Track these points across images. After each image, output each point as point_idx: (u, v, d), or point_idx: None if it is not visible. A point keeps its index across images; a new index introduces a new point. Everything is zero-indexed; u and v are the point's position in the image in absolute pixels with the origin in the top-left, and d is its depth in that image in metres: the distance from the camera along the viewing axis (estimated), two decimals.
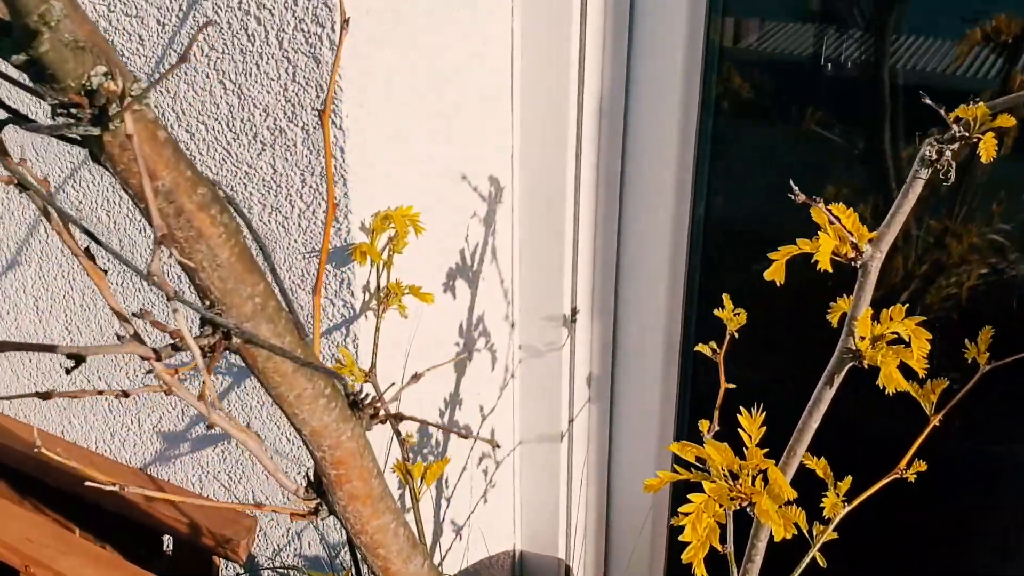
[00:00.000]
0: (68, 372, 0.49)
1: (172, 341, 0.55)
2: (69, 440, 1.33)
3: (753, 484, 0.83)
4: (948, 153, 0.77)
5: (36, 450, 0.66)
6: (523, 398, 1.34)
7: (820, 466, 0.96)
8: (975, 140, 0.76)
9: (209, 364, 0.55)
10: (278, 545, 1.20)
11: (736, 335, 1.04)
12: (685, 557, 0.84)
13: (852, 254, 0.80)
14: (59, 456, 0.65)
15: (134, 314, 0.54)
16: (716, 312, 1.05)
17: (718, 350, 1.05)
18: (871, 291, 0.81)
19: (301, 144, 0.94)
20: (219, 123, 0.98)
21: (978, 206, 1.55)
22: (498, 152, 1.15)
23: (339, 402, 0.62)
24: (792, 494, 0.84)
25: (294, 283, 1.01)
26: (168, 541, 1.27)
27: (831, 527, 0.95)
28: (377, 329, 0.95)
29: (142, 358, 0.55)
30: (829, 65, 1.25)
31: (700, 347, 1.06)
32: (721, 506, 0.83)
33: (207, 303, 0.55)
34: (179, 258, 0.52)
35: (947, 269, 1.71)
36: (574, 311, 1.28)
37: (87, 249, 0.61)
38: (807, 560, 0.94)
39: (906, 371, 0.80)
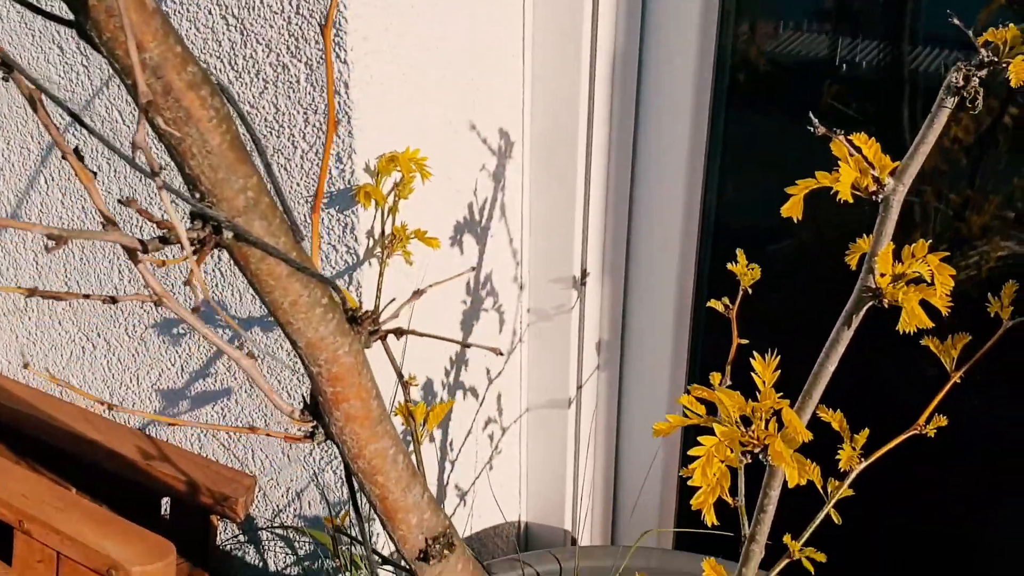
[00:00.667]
0: (48, 251, 0.46)
1: (160, 233, 0.53)
2: (68, 400, 1.31)
3: (766, 428, 0.80)
4: (975, 80, 0.74)
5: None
6: (531, 363, 1.31)
7: (836, 419, 0.93)
8: (1004, 65, 0.73)
9: (198, 257, 0.52)
10: (278, 506, 1.17)
11: (750, 290, 1.01)
12: (695, 503, 0.80)
13: (873, 187, 0.77)
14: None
15: (120, 201, 0.52)
16: (729, 266, 1.02)
17: (730, 306, 1.02)
18: (892, 227, 0.78)
19: (304, 81, 0.92)
20: (221, 61, 0.95)
21: (1000, 180, 1.51)
22: (508, 104, 1.12)
23: (336, 314, 0.59)
24: (807, 435, 0.80)
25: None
26: (166, 506, 1.24)
27: (847, 482, 0.91)
28: (380, 274, 0.92)
29: (127, 250, 0.52)
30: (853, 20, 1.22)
31: (712, 303, 1.03)
32: (732, 451, 0.80)
33: (197, 195, 0.52)
34: (167, 139, 0.49)
35: (968, 244, 1.68)
36: (584, 273, 1.26)
37: (76, 149, 0.58)
38: (822, 515, 0.91)
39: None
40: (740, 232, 1.31)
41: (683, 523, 1.40)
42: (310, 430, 0.65)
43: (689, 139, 1.17)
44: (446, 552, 0.70)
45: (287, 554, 1.19)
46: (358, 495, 0.71)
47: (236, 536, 1.21)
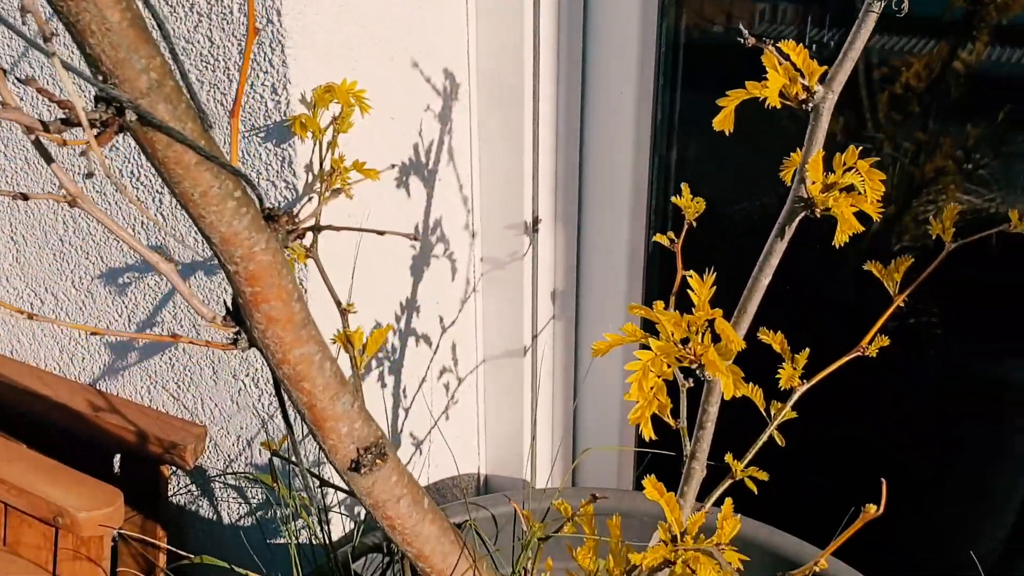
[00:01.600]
0: None
1: (62, 115, 0.52)
2: (19, 359, 1.29)
3: (702, 341, 0.80)
4: None
5: None
6: (486, 313, 1.31)
7: (777, 340, 0.93)
8: None
9: (100, 139, 0.51)
10: (229, 455, 1.16)
11: (694, 223, 1.01)
12: (632, 418, 0.80)
13: (803, 95, 0.77)
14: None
15: (19, 80, 0.51)
16: (673, 199, 1.02)
17: (675, 240, 1.02)
18: (823, 135, 0.78)
19: (238, 11, 0.91)
20: None
21: (952, 130, 1.52)
22: (453, 42, 1.12)
23: (251, 209, 0.59)
24: (740, 344, 0.80)
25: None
26: (117, 464, 1.23)
27: (789, 404, 0.91)
28: (319, 207, 0.91)
29: (27, 130, 0.51)
30: None
31: (658, 237, 1.02)
32: (669, 366, 0.80)
33: (100, 77, 0.52)
34: (65, 15, 0.49)
35: (922, 195, 1.69)
36: (536, 220, 1.25)
37: None
38: (764, 437, 0.91)
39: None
40: (692, 174, 1.31)
41: (642, 471, 1.40)
42: (233, 336, 0.65)
43: (637, 79, 1.17)
44: (378, 462, 0.69)
45: (240, 504, 1.19)
46: (289, 408, 0.70)
47: (188, 487, 1.20)
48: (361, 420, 0.69)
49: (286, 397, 0.67)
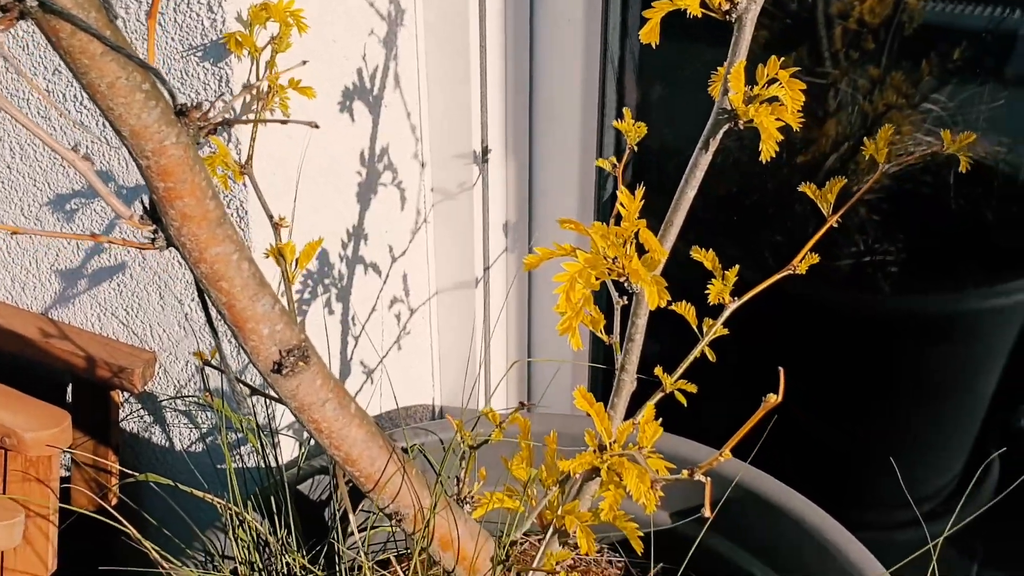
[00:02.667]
0: None
1: None
2: None
3: (628, 253, 0.82)
4: None
5: None
6: (438, 244, 1.32)
7: (708, 258, 0.94)
8: None
9: (1, 25, 0.52)
10: (179, 381, 1.17)
11: (635, 148, 1.02)
12: (560, 329, 0.82)
13: (726, 6, 0.78)
14: None
15: None
16: (615, 124, 1.03)
17: (617, 164, 1.02)
18: (746, 47, 0.79)
19: None
20: None
21: (907, 61, 1.53)
22: None
23: (160, 102, 0.59)
24: (663, 253, 0.82)
25: (174, 86, 0.98)
26: (69, 393, 1.24)
27: (720, 320, 0.93)
28: (255, 128, 0.92)
29: None
30: None
31: (600, 162, 1.03)
32: (597, 278, 0.82)
33: None
34: None
35: (876, 128, 1.69)
36: (486, 150, 1.26)
37: None
38: (696, 352, 0.92)
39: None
40: (642, 100, 1.32)
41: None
42: (151, 235, 0.66)
43: (585, 5, 1.17)
44: (301, 364, 0.71)
45: (190, 429, 1.20)
46: (212, 312, 0.71)
47: (138, 412, 1.21)
48: (283, 323, 0.70)
49: (208, 299, 0.68)
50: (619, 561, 1.19)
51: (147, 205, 0.65)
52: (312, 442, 1.19)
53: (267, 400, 1.12)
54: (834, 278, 1.68)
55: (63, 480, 1.22)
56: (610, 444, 0.84)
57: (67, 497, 1.20)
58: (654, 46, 0.81)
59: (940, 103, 1.55)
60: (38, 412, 1.08)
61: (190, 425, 1.19)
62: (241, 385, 0.85)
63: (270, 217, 0.86)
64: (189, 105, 0.61)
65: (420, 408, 1.38)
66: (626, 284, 0.84)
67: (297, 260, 0.85)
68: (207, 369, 1.15)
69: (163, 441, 1.23)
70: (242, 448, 1.17)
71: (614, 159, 1.03)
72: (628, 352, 0.89)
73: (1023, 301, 1.59)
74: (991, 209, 1.66)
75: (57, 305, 1.22)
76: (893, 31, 1.50)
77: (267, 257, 0.86)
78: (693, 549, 1.03)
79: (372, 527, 1.07)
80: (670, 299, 0.81)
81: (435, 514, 0.81)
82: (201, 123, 0.62)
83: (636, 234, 0.81)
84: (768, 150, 0.80)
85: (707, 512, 0.72)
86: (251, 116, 0.98)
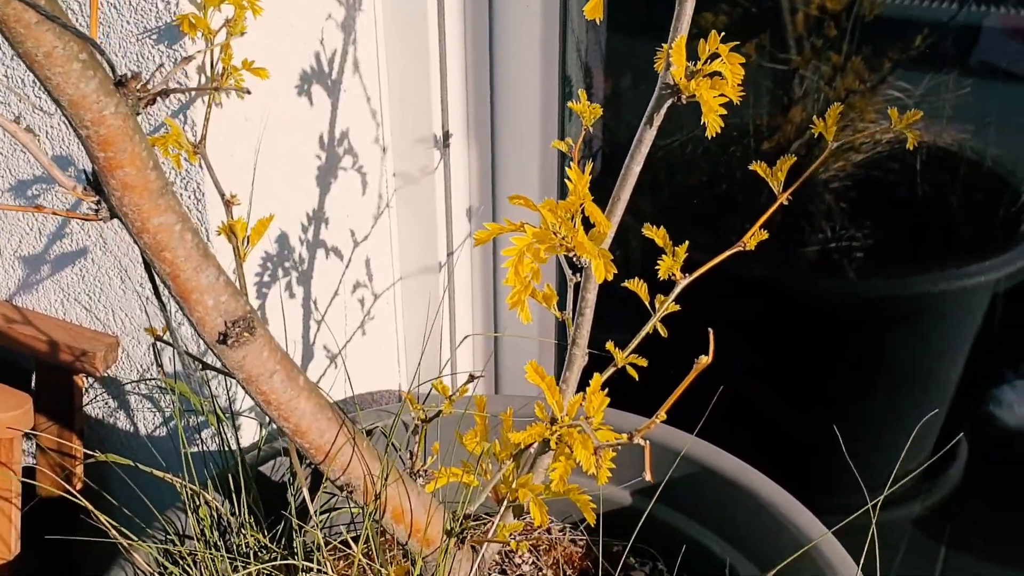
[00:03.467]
0: None
1: None
2: None
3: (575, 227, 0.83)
4: None
5: None
6: (401, 230, 1.33)
7: (660, 236, 0.95)
8: None
9: None
10: (141, 365, 1.18)
11: (591, 128, 1.03)
12: (510, 302, 0.83)
13: None
14: None
15: None
16: (570, 104, 1.04)
17: (573, 144, 1.04)
18: (688, 20, 0.80)
19: None
20: None
21: (866, 53, 1.55)
22: None
23: (98, 73, 0.60)
24: (608, 225, 0.83)
25: (129, 68, 0.99)
26: (34, 381, 1.25)
27: (671, 297, 0.94)
28: (208, 108, 0.93)
29: None
30: None
31: (555, 143, 1.04)
32: (547, 253, 0.83)
33: None
34: None
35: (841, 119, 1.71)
36: (447, 135, 1.27)
37: None
38: (648, 328, 0.93)
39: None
40: (610, 86, 1.33)
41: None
42: (95, 206, 0.66)
43: None
44: (246, 335, 0.71)
45: (153, 413, 1.21)
46: (160, 285, 0.72)
47: (102, 396, 1.22)
48: (228, 294, 0.71)
49: (153, 271, 0.69)
50: (582, 539, 1.20)
51: (90, 176, 0.66)
52: (273, 425, 1.20)
53: (227, 382, 1.13)
54: (801, 263, 1.70)
55: (28, 467, 1.22)
56: (561, 417, 0.85)
57: (32, 483, 1.20)
58: (599, 21, 0.82)
59: (905, 91, 1.58)
60: (0, 393, 1.08)
61: (153, 409, 1.20)
62: (192, 360, 0.86)
63: (222, 195, 0.87)
64: (128, 75, 0.62)
65: (386, 393, 1.39)
66: (575, 259, 0.85)
67: (248, 237, 0.86)
68: (160, 344, 1.16)
69: (127, 426, 1.23)
70: (204, 432, 1.18)
71: (570, 140, 1.04)
72: (579, 326, 0.90)
73: (986, 283, 1.61)
74: (956, 195, 1.68)
75: (20, 292, 1.23)
76: (855, 18, 1.52)
77: (219, 235, 0.87)
78: (643, 522, 1.05)
79: (333, 509, 1.08)
80: (616, 272, 0.82)
81: (386, 486, 0.82)
82: (141, 93, 0.63)
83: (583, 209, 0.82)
84: (712, 125, 0.81)
85: (648, 476, 0.73)
86: (204, 98, 0.99)
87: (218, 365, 0.91)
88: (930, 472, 1.82)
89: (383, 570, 0.93)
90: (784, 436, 1.68)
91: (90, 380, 1.22)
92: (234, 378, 0.74)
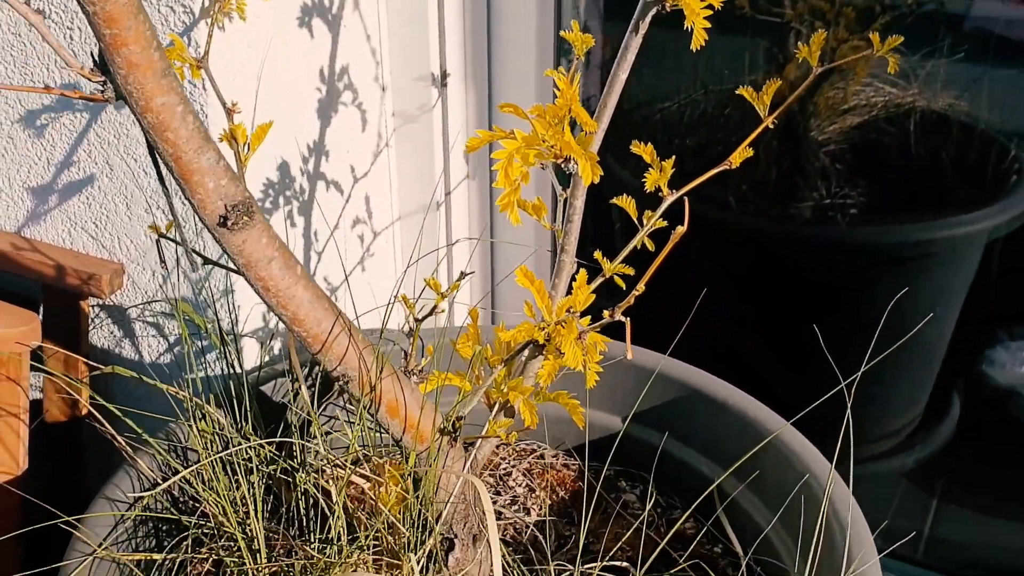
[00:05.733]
0: None
1: None
2: None
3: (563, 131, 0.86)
4: None
5: None
6: (400, 169, 1.36)
7: (647, 152, 0.98)
8: None
9: None
10: (147, 291, 1.21)
11: (583, 58, 1.06)
12: (500, 204, 0.86)
13: None
14: None
15: None
16: (562, 34, 1.07)
17: (565, 74, 1.06)
18: None
19: None
20: None
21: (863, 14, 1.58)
22: None
23: None
24: (594, 126, 0.86)
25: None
26: (41, 311, 1.28)
27: (659, 214, 0.97)
28: (211, 26, 0.96)
29: None
30: None
31: (549, 72, 1.07)
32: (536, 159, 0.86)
33: None
34: None
35: (835, 75, 1.75)
36: (444, 73, 1.30)
37: None
38: (636, 241, 0.96)
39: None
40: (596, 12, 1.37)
41: None
42: (101, 87, 0.70)
43: None
44: (245, 218, 0.75)
45: (159, 341, 1.24)
46: (163, 170, 0.75)
47: (107, 322, 1.25)
48: (227, 178, 0.74)
49: (157, 154, 0.72)
50: (574, 464, 1.24)
51: (96, 58, 0.69)
52: (276, 349, 1.23)
53: (230, 303, 1.16)
54: (796, 215, 1.73)
55: (36, 400, 1.26)
56: (549, 317, 0.89)
57: (39, 409, 1.24)
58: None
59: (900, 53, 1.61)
60: (7, 314, 1.12)
61: (158, 336, 1.23)
62: (196, 256, 0.89)
63: (223, 103, 0.90)
64: None
65: (386, 331, 1.42)
66: (564, 166, 0.88)
67: (249, 143, 0.90)
68: (172, 278, 1.20)
69: (132, 354, 1.27)
70: (208, 355, 1.22)
71: (563, 69, 1.07)
72: (567, 233, 0.93)
73: (976, 232, 1.63)
74: (948, 153, 1.71)
75: (28, 223, 1.26)
76: None
77: (221, 141, 0.90)
78: (618, 441, 1.08)
79: (330, 432, 1.11)
80: (602, 174, 0.85)
81: (381, 379, 0.85)
82: None
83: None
84: (697, 36, 0.84)
85: (629, 355, 0.76)
86: (207, 20, 1.02)
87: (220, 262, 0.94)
88: (923, 427, 1.84)
89: (378, 473, 0.96)
90: (779, 388, 1.71)
91: (96, 310, 1.25)
92: (234, 265, 0.78)
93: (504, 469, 1.22)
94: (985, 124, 1.67)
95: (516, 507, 1.18)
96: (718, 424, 1.15)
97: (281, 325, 1.19)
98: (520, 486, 1.21)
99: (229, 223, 0.74)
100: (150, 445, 1.03)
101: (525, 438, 1.26)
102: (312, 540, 0.92)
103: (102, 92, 0.69)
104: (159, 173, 0.76)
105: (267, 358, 1.21)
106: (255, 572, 0.88)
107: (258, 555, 0.92)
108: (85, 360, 1.20)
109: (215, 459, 1.00)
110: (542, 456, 1.25)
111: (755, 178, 1.78)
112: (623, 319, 0.78)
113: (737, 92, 1.06)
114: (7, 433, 1.13)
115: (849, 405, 0.97)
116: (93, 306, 1.25)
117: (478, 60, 1.31)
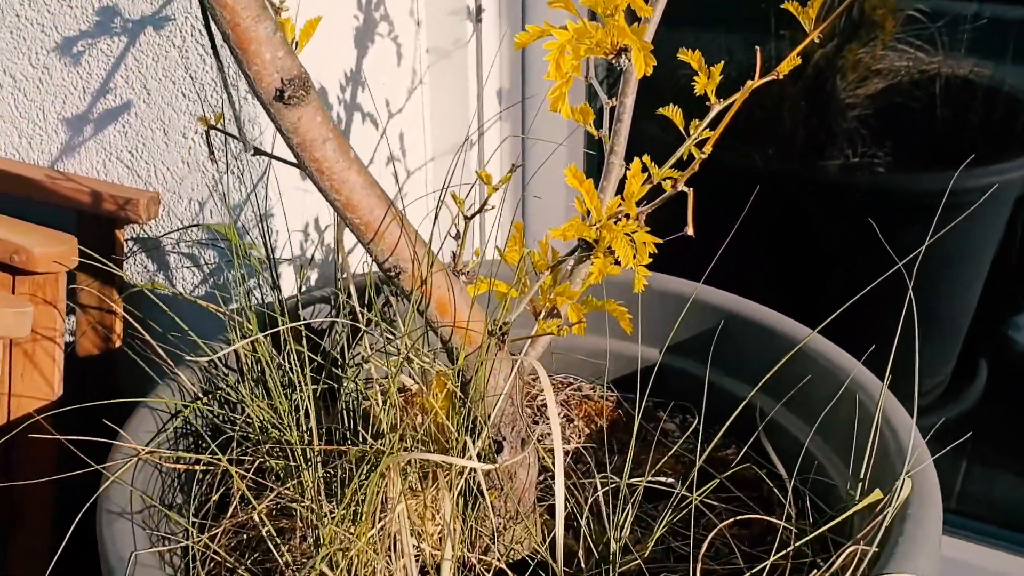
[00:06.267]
0: None
1: None
2: None
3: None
4: None
5: None
6: (433, 107, 1.35)
7: (695, 59, 0.97)
8: None
9: None
10: (182, 221, 1.21)
11: None
12: (551, 97, 0.86)
13: None
14: None
15: None
16: None
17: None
18: None
19: None
20: None
21: None
22: None
23: None
24: (648, 12, 0.86)
25: None
26: None
27: (705, 123, 0.95)
28: None
29: None
30: None
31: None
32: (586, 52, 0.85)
33: None
34: None
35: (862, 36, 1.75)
36: (479, 8, 1.30)
37: None
38: (683, 150, 0.95)
39: None
40: None
41: None
42: None
43: None
44: (301, 92, 0.74)
45: (194, 272, 1.23)
46: (217, 40, 0.75)
47: (141, 258, 1.25)
48: (284, 51, 0.73)
49: (213, 19, 0.71)
50: (612, 396, 1.22)
51: None
52: (312, 278, 1.22)
53: (264, 228, 1.15)
54: (829, 165, 1.72)
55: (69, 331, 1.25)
56: (599, 217, 0.88)
57: (71, 345, 1.23)
58: None
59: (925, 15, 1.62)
60: (45, 235, 1.11)
61: (192, 267, 1.23)
62: (244, 144, 0.88)
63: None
64: None
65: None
66: (615, 61, 0.87)
67: (297, 41, 0.89)
68: (207, 206, 1.19)
69: (166, 281, 1.26)
70: (241, 288, 1.21)
71: None
72: (616, 133, 0.92)
73: (1005, 182, 1.62)
74: (976, 114, 1.71)
75: (63, 156, 1.25)
76: None
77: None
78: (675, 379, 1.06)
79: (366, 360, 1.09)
80: (656, 63, 0.84)
81: (432, 272, 0.84)
82: None
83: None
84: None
85: (690, 230, 0.76)
86: None
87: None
88: (951, 388, 1.83)
89: (425, 381, 0.95)
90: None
91: (130, 244, 1.24)
92: (288, 144, 0.77)
93: (541, 400, 1.21)
94: (1010, 87, 1.66)
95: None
96: (765, 350, 1.13)
97: (323, 241, 1.18)
98: (558, 415, 1.20)
99: (286, 96, 0.73)
100: (186, 365, 1.02)
101: (562, 370, 1.25)
102: (360, 441, 0.91)
103: None
104: (213, 46, 0.75)
105: (303, 288, 1.21)
106: (307, 464, 0.87)
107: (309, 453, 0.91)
108: (119, 290, 1.19)
109: (264, 369, 0.99)
110: (579, 388, 1.23)
111: (781, 138, 1.78)
112: (686, 189, 0.77)
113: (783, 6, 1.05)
114: (43, 358, 1.12)
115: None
116: (128, 240, 1.24)
117: None
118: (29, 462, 1.12)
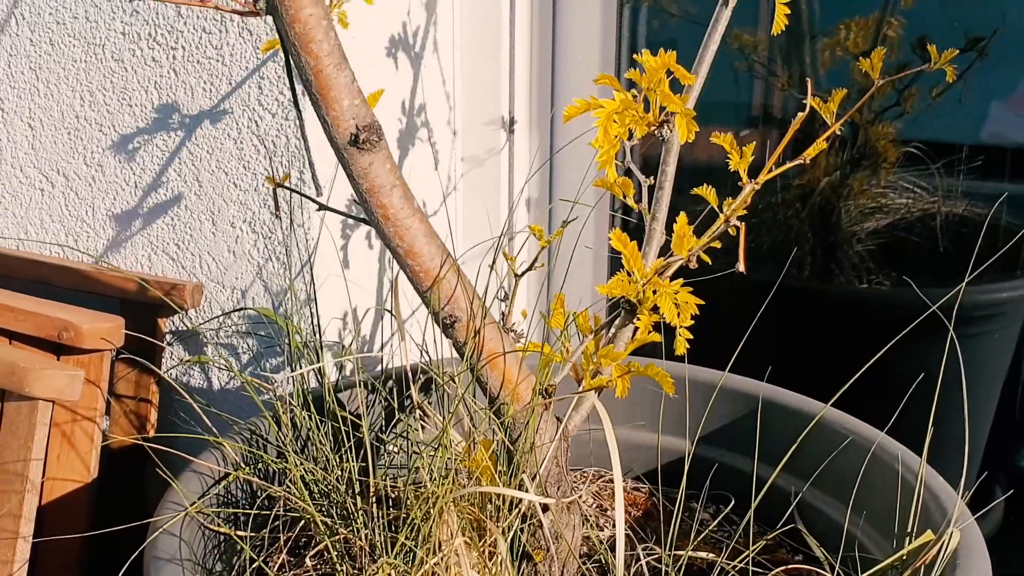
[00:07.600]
0: None
1: None
2: (24, 253, 1.37)
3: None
4: None
5: None
6: (465, 209, 1.41)
7: (727, 141, 1.03)
8: None
9: None
10: (223, 308, 1.24)
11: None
12: (599, 160, 0.91)
13: None
14: None
15: None
16: (635, 56, 1.14)
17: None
18: None
19: None
20: None
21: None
22: None
23: None
24: (691, 79, 0.92)
25: None
26: None
27: (739, 201, 1.00)
28: None
29: None
30: None
31: (600, 77, 1.14)
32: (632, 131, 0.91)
33: None
34: None
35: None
36: (512, 120, 1.37)
37: None
38: (719, 223, 0.99)
39: None
40: None
41: None
42: (254, 6, 0.75)
43: None
44: (375, 138, 0.79)
45: (235, 360, 1.25)
46: (298, 89, 0.80)
47: (178, 351, 1.27)
48: (360, 100, 0.79)
49: (296, 66, 0.77)
50: (644, 487, 1.22)
51: None
52: (347, 369, 1.24)
53: (310, 311, 1.18)
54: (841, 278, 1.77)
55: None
56: (643, 278, 0.91)
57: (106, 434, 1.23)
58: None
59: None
60: (94, 314, 1.13)
61: (231, 355, 1.25)
62: (312, 202, 0.92)
63: None
64: None
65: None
66: (657, 132, 0.93)
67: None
68: (250, 292, 1.22)
69: (201, 380, 1.27)
70: (279, 375, 1.22)
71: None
72: (658, 201, 0.97)
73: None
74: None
75: (109, 251, 1.30)
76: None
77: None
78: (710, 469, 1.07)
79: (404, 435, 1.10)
80: (698, 129, 0.90)
81: (484, 324, 0.87)
82: None
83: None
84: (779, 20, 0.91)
85: (741, 267, 0.79)
86: None
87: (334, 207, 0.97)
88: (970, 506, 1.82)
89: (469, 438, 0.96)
90: None
91: (170, 335, 1.27)
92: (356, 190, 0.81)
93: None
94: (1006, 223, 1.73)
95: (586, 526, 1.16)
96: (792, 433, 1.14)
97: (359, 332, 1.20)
98: (590, 507, 1.19)
99: (360, 140, 0.78)
100: (229, 437, 1.03)
101: (592, 464, 1.25)
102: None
103: (255, 2, 0.75)
104: (294, 95, 0.80)
105: (339, 375, 1.22)
106: (355, 534, 0.87)
107: (352, 523, 0.91)
108: (157, 380, 1.20)
109: (305, 443, 1.00)
110: (610, 481, 1.23)
111: (792, 267, 1.84)
112: (738, 224, 0.80)
113: (805, 102, 1.12)
114: (81, 439, 1.12)
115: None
116: (168, 333, 1.27)
117: (542, 108, 1.39)
118: (57, 552, 1.10)
